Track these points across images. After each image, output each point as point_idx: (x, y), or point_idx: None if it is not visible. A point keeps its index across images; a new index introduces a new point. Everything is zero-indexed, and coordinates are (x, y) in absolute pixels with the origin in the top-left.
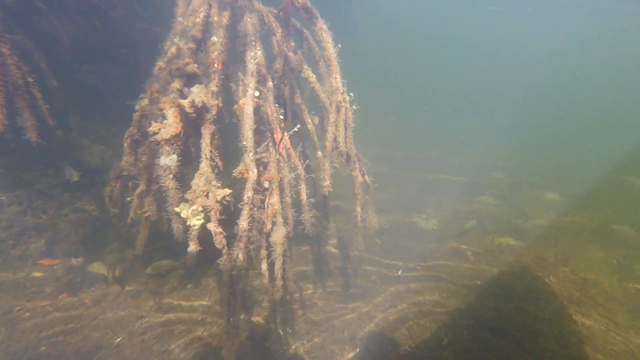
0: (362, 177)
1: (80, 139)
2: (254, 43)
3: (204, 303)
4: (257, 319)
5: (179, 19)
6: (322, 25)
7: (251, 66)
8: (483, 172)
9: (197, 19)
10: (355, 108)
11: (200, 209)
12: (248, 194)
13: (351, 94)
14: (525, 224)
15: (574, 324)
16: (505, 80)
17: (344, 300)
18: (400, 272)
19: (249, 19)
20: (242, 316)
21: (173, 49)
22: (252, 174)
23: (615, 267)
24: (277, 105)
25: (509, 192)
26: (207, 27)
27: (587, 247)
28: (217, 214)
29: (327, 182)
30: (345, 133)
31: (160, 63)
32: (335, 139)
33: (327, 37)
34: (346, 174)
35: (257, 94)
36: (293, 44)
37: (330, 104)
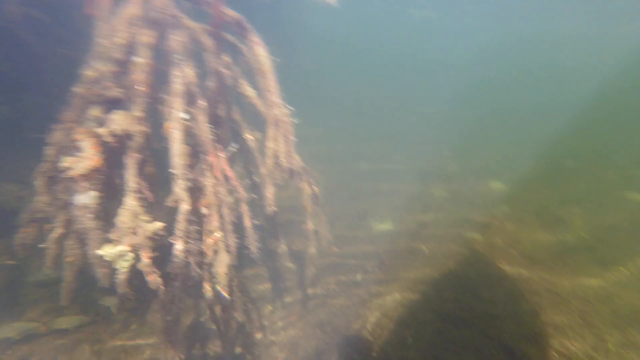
0: (311, 189)
1: None
2: (178, 61)
3: (151, 342)
4: (214, 349)
5: (99, 40)
6: (255, 38)
7: (176, 86)
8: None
9: (119, 39)
10: (295, 122)
11: (128, 248)
12: (180, 226)
13: (291, 107)
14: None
15: (525, 302)
16: (441, 82)
17: (305, 314)
18: (359, 276)
19: (173, 37)
20: (196, 350)
21: (91, 73)
22: (184, 204)
23: (556, 244)
24: (212, 125)
25: (458, 185)
26: (130, 48)
27: (532, 230)
28: (149, 251)
29: (271, 202)
30: (287, 147)
31: (77, 89)
32: (275, 155)
33: (261, 50)
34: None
35: (184, 115)
36: (228, 59)
37: (265, 122)
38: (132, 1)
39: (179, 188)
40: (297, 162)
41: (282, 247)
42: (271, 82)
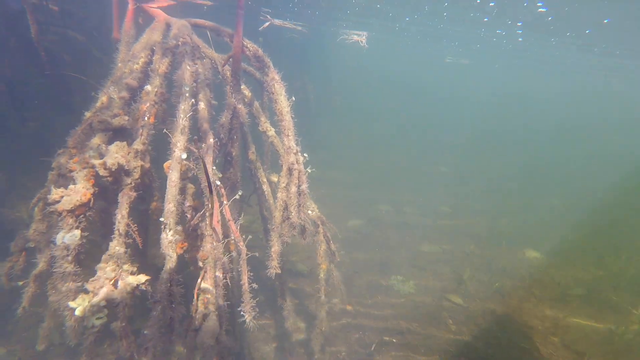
0: (327, 245)
1: (12, 196)
2: (187, 94)
3: None
4: None
5: (119, 64)
6: (274, 75)
7: (181, 121)
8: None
9: (136, 66)
10: (309, 171)
11: (103, 303)
12: (161, 287)
13: (305, 155)
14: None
15: None
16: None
17: None
18: (373, 347)
19: (187, 67)
20: None
21: (104, 98)
22: (170, 260)
23: (608, 338)
24: (224, 165)
25: (489, 249)
26: (146, 75)
27: (578, 316)
28: (127, 309)
29: (275, 262)
30: (298, 199)
31: (88, 114)
32: (286, 207)
33: (279, 89)
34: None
35: (184, 155)
36: (249, 93)
37: (282, 166)
38: (155, 27)
39: (167, 241)
40: (313, 213)
41: (287, 309)
42: (288, 124)
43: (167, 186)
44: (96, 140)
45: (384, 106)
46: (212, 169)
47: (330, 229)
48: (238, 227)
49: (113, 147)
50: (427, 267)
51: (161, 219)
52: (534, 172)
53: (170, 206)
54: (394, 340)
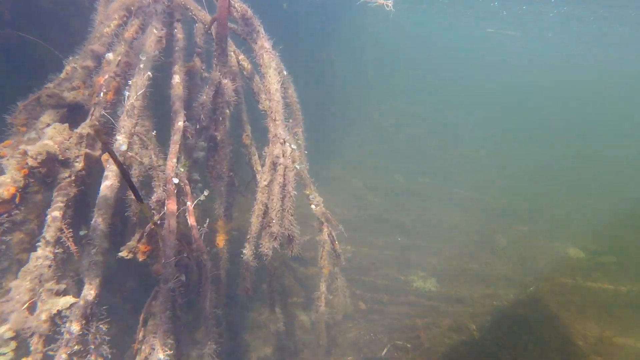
0: (332, 244)
1: None
2: (142, 65)
3: None
4: None
5: (96, 28)
6: (264, 42)
7: (130, 101)
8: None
9: (107, 29)
10: (298, 167)
11: (10, 334)
12: (73, 327)
13: (293, 146)
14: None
15: None
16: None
17: None
18: (385, 351)
19: (154, 30)
20: None
21: (68, 68)
22: (88, 294)
23: None
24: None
25: (523, 247)
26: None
27: (629, 336)
28: (41, 344)
29: (248, 283)
30: (283, 204)
31: (49, 85)
32: (265, 213)
33: (268, 60)
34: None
35: (123, 146)
36: (249, 65)
37: (267, 159)
38: None
39: (86, 265)
40: (317, 208)
41: (276, 323)
42: (276, 106)
43: (103, 183)
44: (45, 119)
45: (422, 82)
46: (174, 162)
47: (336, 228)
48: (202, 236)
49: (50, 130)
50: (453, 263)
51: (89, 233)
52: (588, 165)
53: (99, 220)
54: (409, 346)
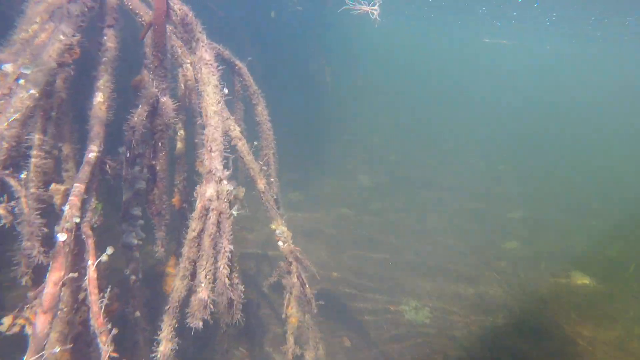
0: (302, 288)
1: None
2: (23, 80)
3: None
4: None
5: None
6: (203, 54)
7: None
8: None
9: (24, 34)
10: (235, 214)
11: None
12: None
13: (230, 187)
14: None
15: None
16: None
17: None
18: None
19: (59, 36)
20: None
21: None
22: None
23: None
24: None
25: (523, 273)
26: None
27: None
28: None
29: None
30: (216, 262)
31: None
32: (193, 274)
33: (207, 75)
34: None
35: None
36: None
37: (197, 203)
38: None
39: None
40: (284, 246)
41: None
42: (212, 132)
43: None
44: None
45: (419, 92)
46: (75, 205)
47: (307, 269)
48: (102, 308)
49: None
50: (446, 289)
51: None
52: (606, 181)
53: None
54: None
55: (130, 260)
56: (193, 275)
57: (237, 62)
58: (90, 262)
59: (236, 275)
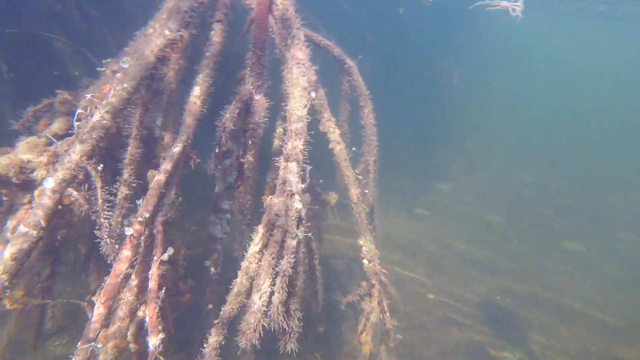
0: (381, 315)
1: None
2: (123, 74)
3: None
4: None
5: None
6: (296, 52)
7: (91, 121)
8: None
9: (150, 30)
10: (301, 236)
11: None
12: None
13: (298, 205)
14: None
15: None
16: None
17: None
18: None
19: (165, 32)
20: None
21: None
22: None
23: None
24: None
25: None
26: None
27: None
28: None
29: None
30: (272, 285)
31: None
32: (248, 293)
33: (297, 76)
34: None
35: (50, 184)
36: (312, 76)
37: (265, 215)
38: None
39: None
40: (369, 265)
41: None
42: (294, 141)
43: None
44: (55, 127)
45: (572, 105)
46: (151, 201)
47: (388, 294)
48: (158, 307)
49: (21, 145)
50: (570, 346)
51: None
52: None
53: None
54: None
55: (212, 252)
56: (249, 293)
57: (347, 60)
58: (155, 259)
59: (296, 300)
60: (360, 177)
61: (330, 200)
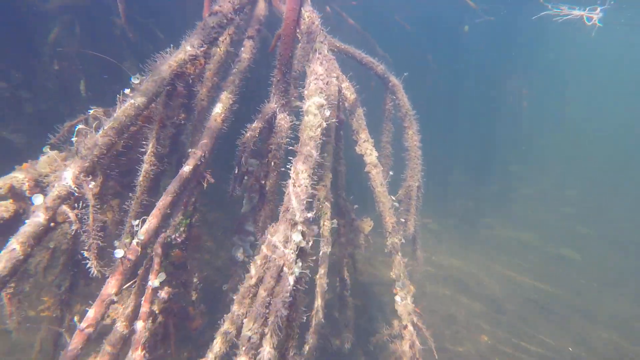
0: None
1: None
2: (134, 93)
3: None
4: None
5: None
6: (317, 67)
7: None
8: None
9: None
10: (297, 272)
11: None
12: None
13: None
14: None
15: None
16: None
17: None
18: None
19: (187, 47)
20: None
21: None
22: None
23: None
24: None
25: None
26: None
27: None
28: None
29: None
30: (263, 326)
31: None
32: (239, 331)
33: (313, 92)
34: None
35: (38, 199)
36: (352, 95)
37: (263, 244)
38: None
39: None
40: (401, 304)
41: None
42: (302, 164)
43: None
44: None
45: None
46: (152, 224)
47: (424, 340)
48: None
49: (43, 159)
50: None
51: None
52: None
53: None
54: None
55: (232, 275)
56: (239, 331)
57: (392, 78)
58: (150, 284)
59: (293, 345)
60: (396, 204)
61: (364, 228)
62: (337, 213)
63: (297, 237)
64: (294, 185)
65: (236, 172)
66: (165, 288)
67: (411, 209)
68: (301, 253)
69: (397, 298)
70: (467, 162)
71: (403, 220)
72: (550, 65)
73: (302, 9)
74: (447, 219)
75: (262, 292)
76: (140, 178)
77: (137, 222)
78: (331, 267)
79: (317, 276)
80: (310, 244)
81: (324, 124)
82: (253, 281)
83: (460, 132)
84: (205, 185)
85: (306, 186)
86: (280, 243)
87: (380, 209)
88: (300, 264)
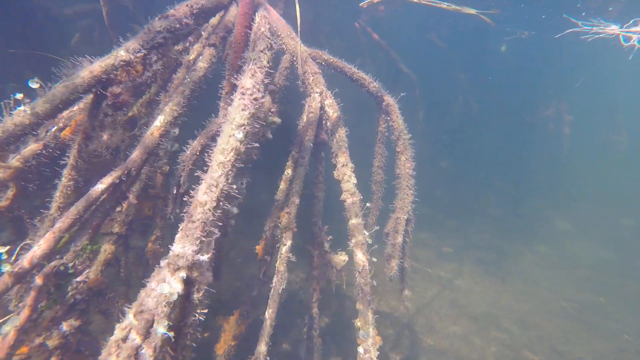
0: None
1: None
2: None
3: None
4: None
5: None
6: (246, 79)
7: None
8: None
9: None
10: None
11: None
12: None
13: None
14: None
15: None
16: None
17: None
18: None
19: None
20: None
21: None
22: None
23: None
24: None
25: None
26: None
27: None
28: None
29: None
30: None
31: None
32: None
33: (236, 108)
34: None
35: None
36: (317, 104)
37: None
38: None
39: None
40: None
41: None
42: (204, 190)
43: None
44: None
45: None
46: (42, 248)
47: None
48: None
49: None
50: None
51: None
52: None
53: None
54: None
55: None
56: None
57: (387, 97)
58: (20, 317)
59: None
60: (370, 240)
61: (337, 262)
62: (310, 243)
63: (171, 287)
64: (190, 220)
65: (175, 192)
66: (70, 321)
67: (396, 245)
68: (184, 304)
69: (360, 349)
70: (501, 189)
71: (386, 257)
72: (599, 89)
73: (256, 14)
74: (471, 250)
75: (127, 350)
76: (57, 193)
77: (5, 248)
78: (301, 302)
79: (266, 314)
80: (201, 293)
81: (242, 149)
82: (122, 334)
83: (489, 156)
84: (125, 207)
85: (203, 222)
86: (155, 291)
87: (352, 242)
88: (165, 322)
